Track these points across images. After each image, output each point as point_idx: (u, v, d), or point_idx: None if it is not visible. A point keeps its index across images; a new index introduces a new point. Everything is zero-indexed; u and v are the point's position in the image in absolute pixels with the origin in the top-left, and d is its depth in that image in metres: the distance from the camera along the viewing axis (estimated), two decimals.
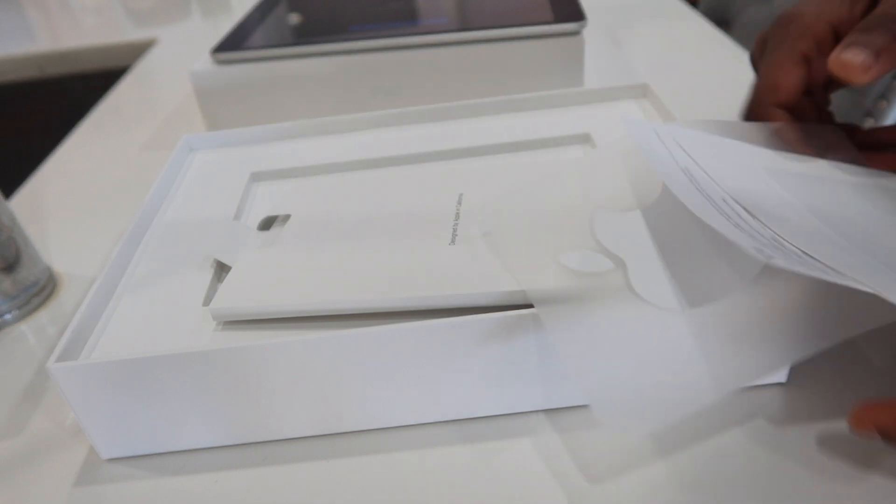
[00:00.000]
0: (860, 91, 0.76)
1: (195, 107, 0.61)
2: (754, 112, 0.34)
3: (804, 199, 0.29)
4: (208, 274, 0.32)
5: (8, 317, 0.37)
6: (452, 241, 0.31)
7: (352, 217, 0.35)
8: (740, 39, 0.68)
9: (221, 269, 0.32)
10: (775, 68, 0.33)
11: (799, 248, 0.24)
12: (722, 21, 0.84)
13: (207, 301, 0.30)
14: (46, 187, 0.51)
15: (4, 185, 0.48)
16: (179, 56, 0.75)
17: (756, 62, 0.35)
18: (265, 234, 0.35)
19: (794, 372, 0.28)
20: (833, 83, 0.35)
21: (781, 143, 0.33)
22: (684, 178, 0.27)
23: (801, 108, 0.34)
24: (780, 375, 0.28)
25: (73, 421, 0.30)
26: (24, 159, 0.60)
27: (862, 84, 0.28)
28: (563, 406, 0.28)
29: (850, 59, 0.28)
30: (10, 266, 0.37)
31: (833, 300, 0.24)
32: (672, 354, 0.24)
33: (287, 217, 0.36)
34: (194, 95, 0.52)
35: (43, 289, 0.39)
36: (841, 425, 0.26)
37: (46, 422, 0.31)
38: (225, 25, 0.83)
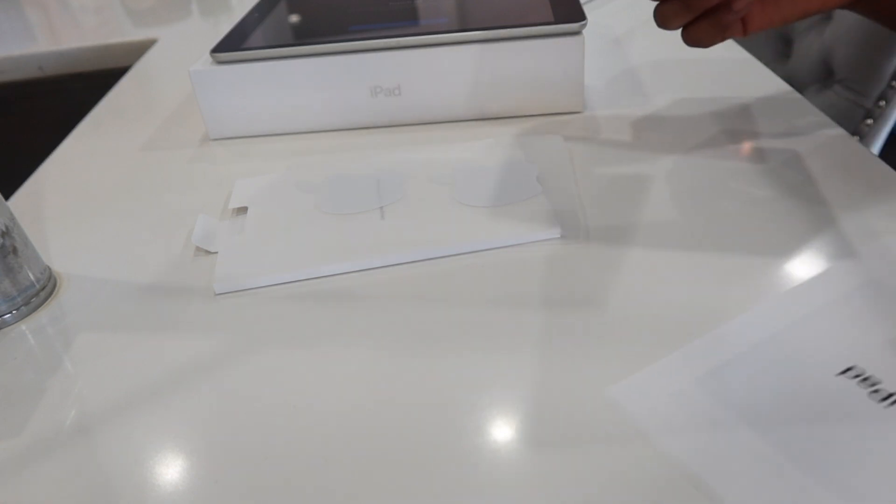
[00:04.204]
0: (860, 92, 0.76)
1: (195, 107, 0.61)
2: None
3: None
4: None
5: (8, 317, 0.37)
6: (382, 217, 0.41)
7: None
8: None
9: None
10: None
11: None
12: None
13: None
14: (46, 187, 0.51)
15: (4, 185, 0.48)
16: (179, 56, 0.75)
17: None
18: (231, 221, 0.43)
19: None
20: None
21: None
22: None
23: None
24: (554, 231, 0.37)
25: (73, 420, 0.30)
26: (24, 159, 0.60)
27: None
28: None
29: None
30: (10, 266, 0.37)
31: None
32: None
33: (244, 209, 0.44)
34: (194, 95, 0.52)
35: (43, 289, 0.39)
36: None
37: (46, 422, 0.31)
38: (225, 25, 0.83)
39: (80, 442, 0.29)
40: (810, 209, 0.38)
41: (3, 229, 0.36)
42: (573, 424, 0.27)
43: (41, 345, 0.36)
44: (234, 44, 0.52)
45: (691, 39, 0.40)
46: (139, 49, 0.81)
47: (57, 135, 0.59)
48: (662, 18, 0.40)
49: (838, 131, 0.46)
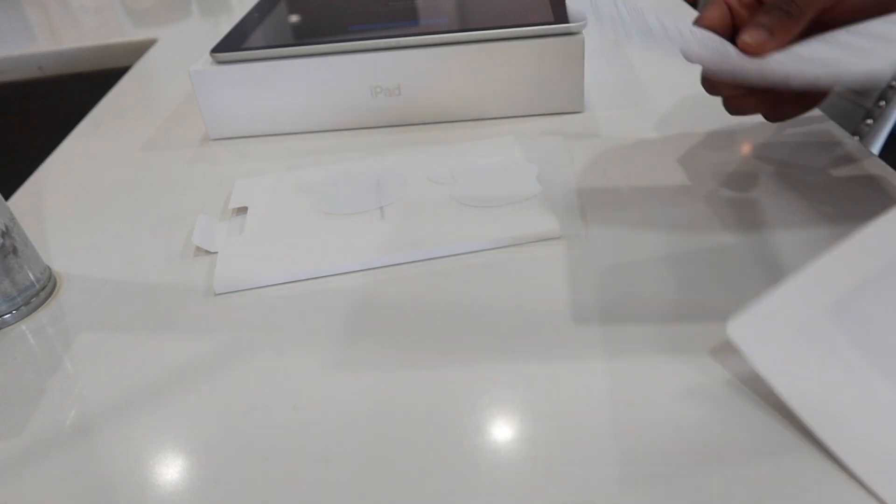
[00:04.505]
0: (861, 93, 0.76)
1: (195, 107, 0.61)
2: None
3: None
4: None
5: (8, 317, 0.37)
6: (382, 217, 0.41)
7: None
8: None
9: None
10: (706, 9, 0.40)
11: None
12: None
13: None
14: (46, 187, 0.51)
15: (4, 185, 0.48)
16: (179, 56, 0.75)
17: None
18: (231, 221, 0.43)
19: None
20: None
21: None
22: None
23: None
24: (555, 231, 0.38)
25: (73, 420, 0.30)
26: (24, 159, 0.60)
27: (762, 55, 0.36)
28: None
29: (748, 40, 0.36)
30: (10, 266, 0.37)
31: None
32: None
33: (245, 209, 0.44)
34: (194, 95, 0.52)
35: (43, 289, 0.39)
36: None
37: (46, 422, 0.31)
38: (225, 25, 0.83)
39: (80, 442, 0.29)
40: (809, 209, 0.38)
41: (3, 229, 0.36)
42: (573, 424, 0.27)
43: (41, 345, 0.36)
44: (234, 44, 0.52)
45: (777, 118, 0.42)
46: (139, 49, 0.81)
47: (57, 135, 0.59)
48: (735, 109, 0.40)
49: (838, 131, 0.46)
